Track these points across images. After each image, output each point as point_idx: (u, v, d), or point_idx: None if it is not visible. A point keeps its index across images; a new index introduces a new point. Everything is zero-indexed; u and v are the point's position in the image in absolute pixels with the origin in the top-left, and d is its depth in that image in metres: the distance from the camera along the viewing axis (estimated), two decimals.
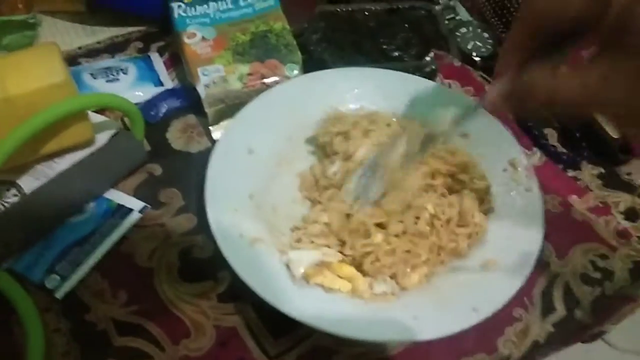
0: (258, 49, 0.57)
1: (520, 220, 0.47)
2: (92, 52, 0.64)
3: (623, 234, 0.53)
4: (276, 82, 0.56)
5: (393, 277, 0.45)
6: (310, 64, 0.58)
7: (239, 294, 0.46)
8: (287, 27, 0.59)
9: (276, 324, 0.45)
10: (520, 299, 0.48)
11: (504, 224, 0.48)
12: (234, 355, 0.44)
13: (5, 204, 0.49)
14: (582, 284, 0.50)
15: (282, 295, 0.42)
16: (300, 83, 0.55)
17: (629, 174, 0.58)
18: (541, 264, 0.50)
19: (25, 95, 0.46)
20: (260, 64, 0.57)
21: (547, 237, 0.51)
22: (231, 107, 0.55)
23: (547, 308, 0.48)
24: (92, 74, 0.59)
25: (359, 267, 0.45)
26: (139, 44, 0.65)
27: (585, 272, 0.50)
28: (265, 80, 0.56)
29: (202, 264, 0.49)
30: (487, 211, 0.49)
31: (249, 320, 0.46)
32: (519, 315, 0.47)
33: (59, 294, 0.46)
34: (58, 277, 0.47)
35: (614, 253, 0.52)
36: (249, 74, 0.56)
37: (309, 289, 0.44)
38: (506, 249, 0.46)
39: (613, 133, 0.57)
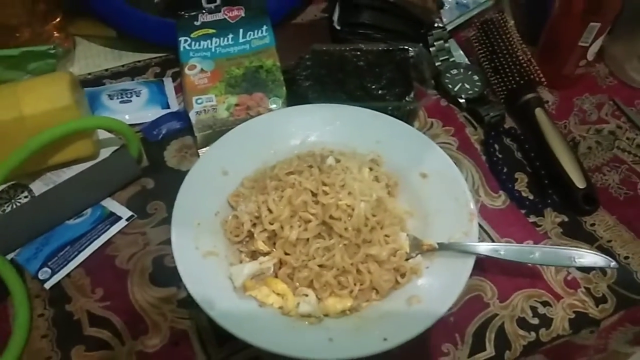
0: (249, 82, 0.64)
1: (452, 264, 0.49)
2: (116, 74, 0.73)
3: (571, 284, 0.54)
4: (259, 113, 0.62)
5: (320, 299, 0.49)
6: (294, 99, 0.63)
7: (196, 302, 0.52)
8: (278, 64, 0.65)
9: (222, 332, 0.50)
10: (451, 335, 0.51)
11: (436, 265, 0.50)
12: (183, 355, 0.50)
13: (17, 204, 0.58)
14: (517, 328, 0.51)
15: (219, 305, 0.47)
16: (277, 115, 0.61)
17: (592, 224, 0.58)
18: (481, 304, 0.53)
19: (35, 115, 0.55)
20: (247, 96, 0.63)
21: (493, 280, 0.54)
22: (218, 133, 0.61)
23: (477, 347, 0.50)
24: (109, 95, 0.68)
25: (292, 277, 0.50)
26: (157, 69, 0.73)
27: (524, 316, 0.52)
28: (250, 111, 0.62)
29: (171, 271, 0.54)
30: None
31: (200, 326, 0.52)
32: (447, 350, 0.50)
33: (48, 285, 0.54)
34: (50, 271, 0.55)
35: (558, 302, 0.53)
36: (236, 105, 0.62)
37: (245, 301, 0.49)
38: (431, 289, 0.48)
39: (579, 183, 0.58)
